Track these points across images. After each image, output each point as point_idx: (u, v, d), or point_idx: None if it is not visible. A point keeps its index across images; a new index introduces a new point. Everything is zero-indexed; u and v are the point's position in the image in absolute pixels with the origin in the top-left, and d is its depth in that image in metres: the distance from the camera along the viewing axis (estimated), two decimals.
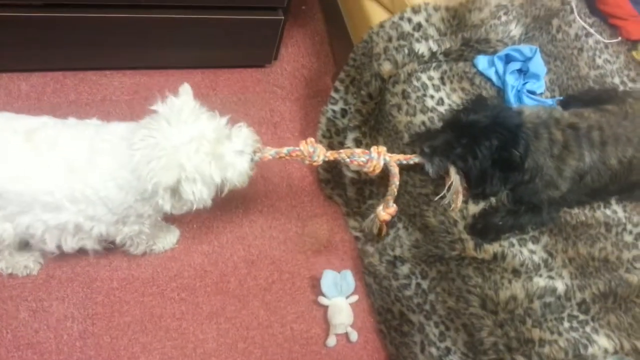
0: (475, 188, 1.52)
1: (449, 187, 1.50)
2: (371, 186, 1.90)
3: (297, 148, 1.48)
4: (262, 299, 1.79)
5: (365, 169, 1.53)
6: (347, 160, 1.52)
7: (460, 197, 1.51)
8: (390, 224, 1.81)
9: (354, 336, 1.79)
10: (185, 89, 1.38)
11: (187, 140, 1.27)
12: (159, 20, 1.94)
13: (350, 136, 1.91)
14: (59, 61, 2.03)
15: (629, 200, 1.70)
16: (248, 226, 1.91)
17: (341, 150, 1.53)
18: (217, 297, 1.75)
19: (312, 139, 1.50)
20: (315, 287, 1.84)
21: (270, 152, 1.47)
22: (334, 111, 2.02)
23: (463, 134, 1.45)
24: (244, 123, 1.42)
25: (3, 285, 1.62)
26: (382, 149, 1.52)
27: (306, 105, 2.25)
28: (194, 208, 1.38)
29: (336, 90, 2.01)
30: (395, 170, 1.51)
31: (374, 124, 1.88)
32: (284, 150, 1.48)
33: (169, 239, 1.76)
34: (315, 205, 2.03)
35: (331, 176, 2.05)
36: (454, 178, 1.48)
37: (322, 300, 1.80)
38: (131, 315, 1.66)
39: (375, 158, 1.50)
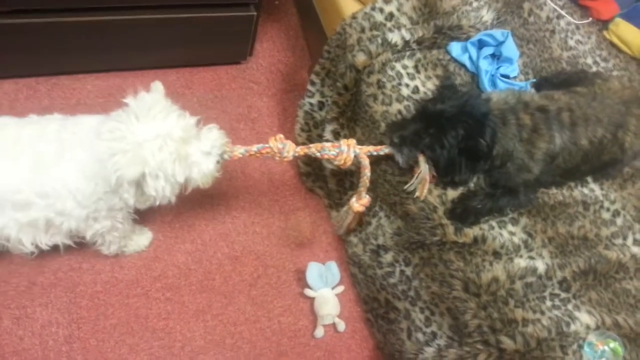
0: (444, 176, 1.55)
1: (417, 176, 1.53)
2: (352, 177, 1.91)
3: (266, 145, 1.50)
4: (248, 295, 1.79)
5: (336, 162, 1.54)
6: (318, 154, 1.54)
7: (426, 186, 1.54)
8: (372, 213, 1.83)
9: (341, 326, 1.80)
10: (157, 87, 1.39)
11: (152, 136, 1.28)
12: (130, 22, 1.92)
13: (329, 128, 1.91)
14: (30, 67, 2.01)
15: (603, 179, 1.73)
16: (231, 223, 1.91)
17: (311, 145, 1.54)
18: (202, 295, 1.75)
19: (282, 136, 1.51)
20: (301, 279, 1.84)
21: (239, 151, 1.48)
22: (311, 104, 2.02)
23: (431, 123, 1.46)
24: (215, 125, 1.43)
25: None
26: (352, 141, 1.53)
27: (283, 99, 2.25)
28: (157, 203, 1.40)
29: (312, 84, 2.01)
30: (365, 162, 1.53)
31: (351, 115, 1.89)
32: (254, 148, 1.49)
33: (141, 241, 1.75)
34: (297, 198, 2.03)
35: (312, 169, 2.05)
36: (423, 167, 1.50)
37: (308, 292, 1.81)
38: (117, 318, 1.65)
39: (345, 151, 1.52)
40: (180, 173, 1.33)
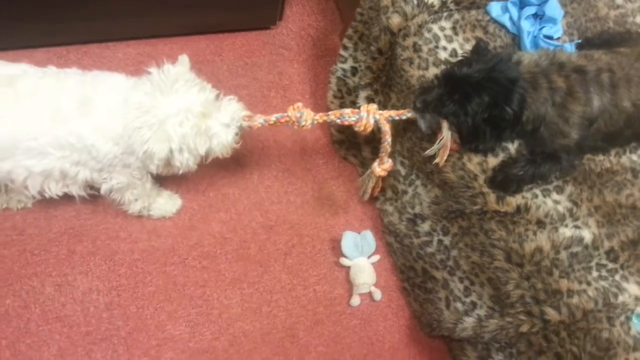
0: (467, 144, 1.49)
1: (439, 142, 1.48)
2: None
3: (285, 114, 1.50)
4: (283, 263, 1.78)
5: (356, 129, 1.52)
6: (337, 121, 1.52)
7: (447, 152, 1.49)
8: (409, 182, 1.79)
9: (377, 295, 1.78)
10: (183, 60, 1.44)
11: (174, 111, 1.34)
12: None
13: (362, 94, 1.86)
14: (61, 36, 1.99)
15: None
16: (264, 192, 1.89)
17: (329, 112, 1.52)
18: (238, 264, 1.75)
19: (300, 104, 1.51)
20: (336, 249, 1.83)
21: (259, 121, 1.49)
22: (343, 70, 1.97)
23: (456, 89, 1.40)
24: (234, 96, 1.48)
25: (27, 262, 1.63)
26: (372, 107, 1.50)
27: (315, 65, 2.19)
28: (180, 172, 1.47)
29: (345, 48, 1.95)
30: (385, 127, 1.49)
31: (386, 81, 1.83)
32: (273, 117, 1.50)
33: (168, 206, 1.74)
34: (331, 167, 2.00)
35: (345, 137, 2.01)
36: (445, 134, 1.45)
37: (344, 261, 1.79)
38: (155, 285, 1.67)
39: (365, 117, 1.49)
40: (201, 146, 1.40)
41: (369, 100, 1.86)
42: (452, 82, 1.42)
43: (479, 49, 1.49)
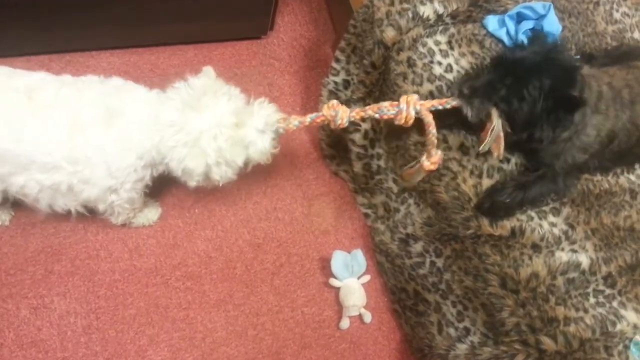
0: (520, 133, 1.36)
1: (491, 132, 1.35)
2: (378, 160, 1.81)
3: (319, 114, 1.43)
4: (270, 284, 1.72)
5: (397, 122, 1.43)
6: (376, 116, 1.43)
7: (502, 144, 1.37)
8: (401, 200, 1.73)
9: (367, 317, 1.73)
10: (208, 72, 1.39)
11: (207, 126, 1.30)
12: None
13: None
14: (42, 44, 1.92)
15: None
16: (252, 208, 1.83)
17: (367, 108, 1.44)
18: (223, 284, 1.69)
19: (335, 102, 1.43)
20: (325, 268, 1.77)
21: (293, 123, 1.43)
22: (335, 83, 1.91)
23: (508, 73, 1.29)
24: (265, 98, 1.42)
25: (1, 283, 1.56)
26: (412, 97, 1.40)
27: (306, 77, 2.13)
28: (221, 184, 1.41)
29: (337, 61, 1.89)
30: (428, 118, 1.39)
31: (379, 95, 1.77)
32: (307, 118, 1.43)
33: (150, 214, 1.69)
34: (321, 183, 1.94)
35: (336, 151, 1.95)
36: (496, 122, 1.33)
37: (333, 282, 1.74)
38: (136, 308, 1.60)
39: (405, 109, 1.39)
40: (239, 157, 1.36)
41: None
42: (504, 65, 1.31)
43: (535, 37, 1.39)
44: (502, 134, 1.36)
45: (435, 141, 1.42)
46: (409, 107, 1.40)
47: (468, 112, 1.36)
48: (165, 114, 1.32)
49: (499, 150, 1.39)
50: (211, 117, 1.31)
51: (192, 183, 1.38)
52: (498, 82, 1.31)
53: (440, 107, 1.43)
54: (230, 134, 1.32)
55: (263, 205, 1.85)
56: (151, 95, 1.40)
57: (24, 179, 1.34)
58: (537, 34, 1.38)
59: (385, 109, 1.42)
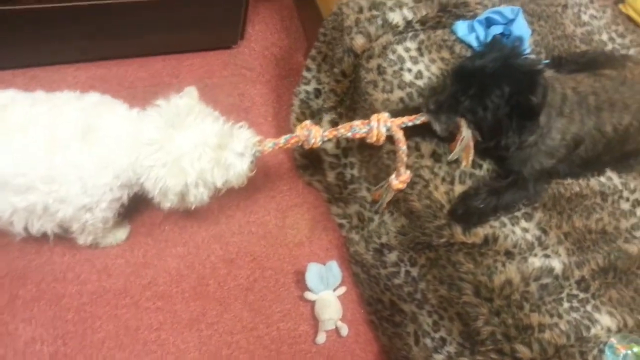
0: (489, 140, 1.38)
1: (460, 143, 1.38)
2: (352, 169, 1.79)
3: (293, 135, 1.43)
4: (244, 300, 1.69)
5: (368, 141, 1.43)
6: (349, 134, 1.44)
7: (472, 153, 1.40)
8: (375, 210, 1.71)
9: (344, 330, 1.70)
10: (190, 92, 1.39)
11: (191, 147, 1.29)
12: (111, 7, 1.79)
13: (326, 118, 1.79)
14: (6, 59, 1.87)
15: (623, 171, 1.60)
16: (224, 223, 1.80)
17: (339, 127, 1.44)
18: (196, 303, 1.65)
19: (308, 122, 1.44)
20: (301, 282, 1.74)
21: (268, 145, 1.44)
22: (307, 92, 1.89)
23: (470, 83, 1.29)
24: (244, 123, 1.43)
25: None
26: (383, 115, 1.41)
27: (278, 86, 2.11)
28: (193, 207, 1.40)
29: (308, 69, 1.87)
30: (399, 135, 1.40)
31: (350, 104, 1.76)
32: (282, 140, 1.44)
33: (119, 234, 1.66)
34: (295, 194, 1.91)
35: (309, 161, 1.93)
36: (465, 133, 1.35)
37: (308, 295, 1.71)
38: (105, 331, 1.55)
39: (375, 127, 1.39)
40: (219, 179, 1.36)
41: (333, 124, 1.79)
42: (465, 76, 1.32)
43: (494, 42, 1.40)
44: (471, 144, 1.38)
45: (405, 159, 1.43)
46: (379, 124, 1.40)
47: (437, 127, 1.38)
48: (145, 131, 1.30)
49: (468, 159, 1.41)
50: (195, 137, 1.30)
51: (167, 204, 1.35)
52: (461, 94, 1.31)
53: (410, 124, 1.43)
54: (213, 155, 1.32)
55: (236, 219, 1.81)
56: (131, 113, 1.38)
57: None
58: (495, 40, 1.38)
59: (357, 128, 1.42)
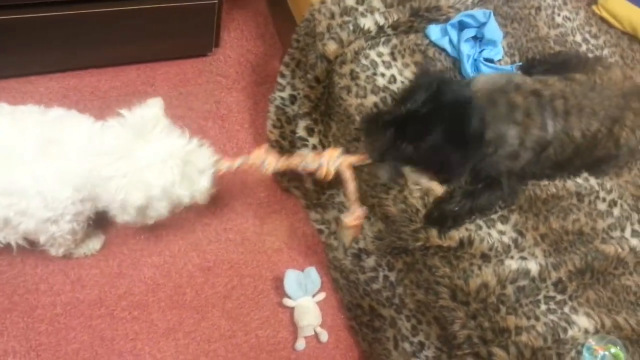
0: (441, 174, 1.39)
1: (416, 183, 1.42)
2: None
3: (248, 159, 1.45)
4: (222, 308, 1.67)
5: (317, 176, 1.44)
6: (299, 168, 1.45)
7: (435, 183, 1.41)
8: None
9: (324, 336, 1.68)
10: (156, 102, 1.35)
11: (156, 160, 1.26)
12: (82, 16, 1.77)
13: (301, 124, 1.78)
14: None
15: (596, 175, 1.60)
16: (201, 231, 1.78)
17: (293, 158, 1.45)
18: (172, 312, 1.63)
19: (265, 147, 1.46)
20: (279, 288, 1.72)
21: (224, 166, 1.45)
22: (282, 98, 1.88)
23: (407, 127, 1.28)
24: (203, 140, 1.42)
25: None
26: (334, 153, 1.41)
27: (254, 93, 2.10)
28: (152, 222, 1.39)
29: (282, 76, 1.86)
30: (346, 175, 1.40)
31: (325, 109, 1.75)
32: (236, 163, 1.45)
33: (92, 244, 1.63)
34: (273, 200, 1.90)
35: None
36: (410, 176, 1.38)
37: (287, 302, 1.69)
38: (79, 342, 1.53)
39: (325, 165, 1.40)
40: (185, 193, 1.35)
41: (309, 130, 1.78)
42: (399, 122, 1.30)
43: (420, 77, 1.39)
44: (426, 178, 1.40)
45: (355, 197, 1.43)
46: (328, 163, 1.40)
47: (383, 175, 1.39)
48: (103, 140, 1.28)
49: (438, 191, 1.43)
50: (163, 149, 1.28)
51: (125, 217, 1.32)
52: (400, 141, 1.29)
53: (360, 164, 1.43)
54: (180, 170, 1.30)
55: (212, 226, 1.80)
56: (94, 126, 1.35)
57: None
58: (421, 74, 1.38)
59: (309, 163, 1.43)
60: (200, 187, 1.38)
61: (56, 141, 1.28)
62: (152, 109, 1.33)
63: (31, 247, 1.47)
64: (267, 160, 1.43)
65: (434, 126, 1.25)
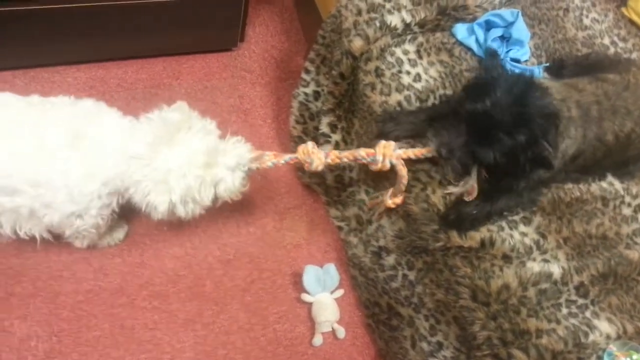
0: (496, 182, 1.37)
1: (464, 184, 1.38)
2: (350, 173, 1.78)
3: (294, 156, 1.43)
4: (241, 301, 1.68)
5: (372, 168, 1.44)
6: (353, 163, 1.46)
7: (475, 192, 1.38)
8: (373, 212, 1.71)
9: (341, 333, 1.69)
10: (181, 107, 1.37)
11: (177, 164, 1.28)
12: (111, 8, 1.80)
13: (324, 120, 1.78)
14: (6, 60, 1.88)
15: (622, 178, 1.58)
16: (222, 224, 1.79)
17: (343, 154, 1.43)
18: (192, 303, 1.64)
19: (311, 144, 1.42)
20: (298, 283, 1.73)
21: (267, 163, 1.44)
22: (305, 94, 1.88)
23: (482, 129, 1.22)
24: (242, 137, 1.43)
25: None
26: (389, 148, 1.39)
27: (278, 88, 2.11)
28: (187, 219, 1.40)
29: (307, 72, 1.87)
30: (402, 171, 1.40)
31: (349, 106, 1.75)
32: (282, 160, 1.45)
33: (116, 234, 1.65)
34: (293, 195, 1.90)
35: None
36: (473, 176, 1.35)
37: (305, 297, 1.70)
38: (100, 329, 1.55)
39: (380, 161, 1.39)
40: (206, 196, 1.35)
41: (332, 126, 1.78)
42: (476, 120, 1.23)
43: (489, 68, 1.31)
44: (475, 186, 1.37)
45: (404, 188, 1.44)
46: (385, 159, 1.39)
47: (448, 171, 1.38)
48: (134, 145, 1.29)
49: (473, 195, 1.38)
50: (182, 154, 1.29)
51: (156, 216, 1.34)
52: (475, 144, 1.24)
53: (415, 158, 1.43)
54: (199, 173, 1.31)
55: (233, 219, 1.81)
56: (123, 122, 1.37)
57: None
58: (501, 73, 1.28)
59: (362, 157, 1.41)
60: (228, 185, 1.38)
61: (85, 135, 1.30)
62: (176, 113, 1.34)
63: (55, 241, 1.49)
64: (314, 162, 1.41)
65: (514, 135, 1.19)
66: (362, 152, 1.41)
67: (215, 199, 1.39)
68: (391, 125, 1.50)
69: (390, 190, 1.50)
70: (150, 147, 1.28)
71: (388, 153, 1.39)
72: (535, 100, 1.22)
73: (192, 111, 1.39)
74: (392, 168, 1.41)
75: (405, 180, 1.42)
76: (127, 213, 1.67)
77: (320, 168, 1.43)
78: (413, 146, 1.48)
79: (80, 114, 1.35)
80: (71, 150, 1.28)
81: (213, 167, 1.35)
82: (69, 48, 1.91)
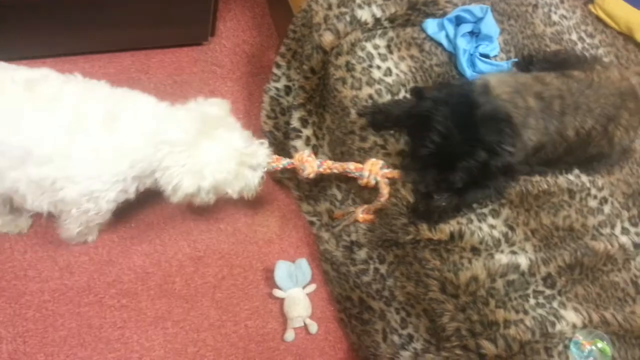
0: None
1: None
2: None
3: (291, 161, 1.54)
4: (212, 298, 1.66)
5: (359, 182, 1.50)
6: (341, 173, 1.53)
7: None
8: (345, 207, 1.71)
9: (313, 328, 1.68)
10: (223, 105, 1.47)
11: (216, 158, 1.34)
12: (78, 1, 1.75)
13: (295, 115, 1.77)
14: None
15: (587, 172, 1.61)
16: (192, 220, 1.77)
17: (333, 165, 1.51)
18: (161, 300, 1.62)
19: (307, 153, 1.53)
20: (270, 279, 1.72)
21: (271, 166, 1.53)
22: (277, 89, 1.87)
23: (444, 160, 1.30)
24: (265, 140, 1.50)
25: None
26: (376, 166, 1.46)
27: (249, 83, 2.09)
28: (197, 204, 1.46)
29: (278, 66, 1.86)
30: (384, 190, 1.46)
31: (320, 101, 1.75)
32: (280, 164, 1.54)
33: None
34: (265, 191, 1.88)
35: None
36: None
37: (277, 293, 1.69)
38: (67, 329, 1.52)
39: (366, 176, 1.46)
40: (234, 190, 1.43)
41: (303, 121, 1.77)
42: (437, 156, 1.31)
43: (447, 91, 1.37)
44: None
45: (380, 207, 1.50)
46: (370, 176, 1.46)
47: (421, 188, 1.40)
48: (170, 131, 1.33)
49: None
50: (222, 150, 1.35)
51: (175, 199, 1.37)
52: (443, 174, 1.31)
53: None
54: (233, 170, 1.38)
55: (204, 216, 1.79)
56: (156, 107, 1.41)
57: (17, 174, 1.30)
58: (445, 90, 1.36)
59: (350, 171, 1.49)
60: (250, 183, 1.45)
61: (120, 115, 1.32)
62: (217, 109, 1.42)
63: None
64: (307, 169, 1.50)
65: (473, 155, 1.26)
66: (351, 166, 1.49)
67: (238, 193, 1.46)
68: (381, 117, 1.52)
69: (365, 207, 1.56)
70: (189, 136, 1.32)
71: (374, 170, 1.46)
72: (481, 115, 1.27)
73: (229, 110, 1.48)
74: (376, 185, 1.47)
75: (383, 199, 1.47)
76: None
77: (312, 176, 1.51)
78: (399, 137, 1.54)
79: (117, 95, 1.38)
80: (105, 129, 1.30)
81: (242, 166, 1.41)
82: (35, 42, 1.86)
